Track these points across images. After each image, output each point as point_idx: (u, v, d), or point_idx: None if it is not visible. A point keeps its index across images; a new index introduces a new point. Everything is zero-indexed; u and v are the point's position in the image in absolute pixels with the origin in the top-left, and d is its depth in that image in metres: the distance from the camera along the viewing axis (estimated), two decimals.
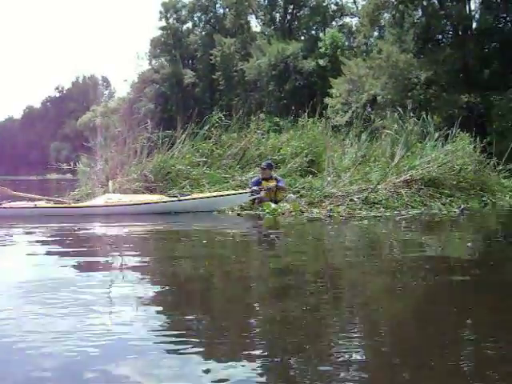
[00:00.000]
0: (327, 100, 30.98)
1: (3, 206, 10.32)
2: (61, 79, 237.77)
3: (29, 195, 11.18)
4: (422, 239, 7.57)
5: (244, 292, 4.41)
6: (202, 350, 2.94)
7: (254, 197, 10.68)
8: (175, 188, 11.53)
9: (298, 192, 11.30)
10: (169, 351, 2.91)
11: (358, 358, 2.83)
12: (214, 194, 10.98)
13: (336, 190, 11.18)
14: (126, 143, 12.86)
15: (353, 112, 16.13)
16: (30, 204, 10.41)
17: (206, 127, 13.36)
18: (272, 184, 10.87)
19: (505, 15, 29.69)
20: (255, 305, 3.94)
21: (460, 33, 30.37)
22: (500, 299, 4.11)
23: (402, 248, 6.78)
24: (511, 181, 14.56)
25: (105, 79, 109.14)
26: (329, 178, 11.71)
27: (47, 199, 10.84)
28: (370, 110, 28.01)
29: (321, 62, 41.74)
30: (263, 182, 10.96)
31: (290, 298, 4.13)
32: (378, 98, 27.84)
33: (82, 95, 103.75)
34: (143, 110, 56.38)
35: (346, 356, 2.82)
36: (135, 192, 11.33)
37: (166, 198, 10.49)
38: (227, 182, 11.90)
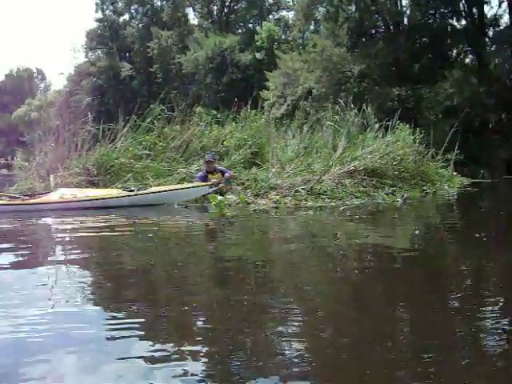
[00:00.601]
0: (263, 93, 31.40)
1: None
2: None
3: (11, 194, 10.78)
4: (364, 228, 7.76)
5: (183, 283, 4.41)
6: (141, 343, 2.96)
7: (213, 189, 10.54)
8: (118, 181, 11.46)
9: (243, 184, 11.40)
10: (108, 348, 2.93)
11: (295, 347, 2.92)
12: (172, 187, 10.92)
13: (281, 181, 11.34)
14: (65, 137, 12.62)
15: (288, 105, 16.44)
16: None
17: (148, 120, 13.29)
18: (216, 179, 10.86)
19: (433, 12, 30.65)
20: (194, 297, 3.96)
21: (392, 28, 31.24)
22: (429, 283, 4.36)
23: (343, 237, 6.99)
24: (448, 170, 15.20)
25: (40, 72, 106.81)
26: (273, 170, 11.88)
27: (0, 195, 10.57)
28: (305, 102, 28.56)
29: (257, 55, 42.12)
30: (209, 175, 11.00)
31: (229, 288, 4.24)
32: (313, 91, 28.41)
33: (16, 88, 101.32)
34: (82, 103, 55.64)
35: (282, 345, 2.93)
36: (77, 186, 11.17)
37: (123, 193, 10.33)
38: (171, 174, 11.94)
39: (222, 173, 11.16)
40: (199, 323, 3.42)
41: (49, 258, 5.55)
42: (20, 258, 5.40)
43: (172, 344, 2.95)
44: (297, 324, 3.31)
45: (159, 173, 11.87)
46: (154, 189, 10.78)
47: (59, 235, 7.32)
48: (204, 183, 10.74)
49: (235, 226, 8.34)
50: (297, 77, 29.73)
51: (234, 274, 4.75)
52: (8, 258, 5.27)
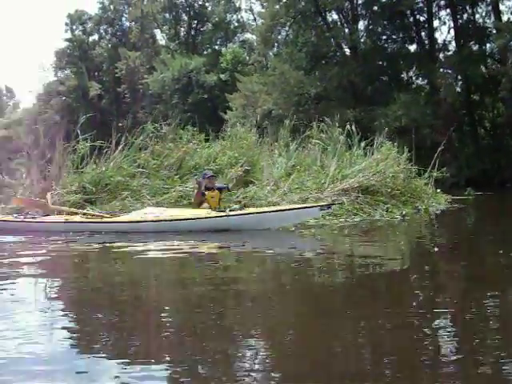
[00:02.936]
0: (226, 115, 32.69)
1: (37, 219, 10.03)
2: None
3: (68, 209, 10.60)
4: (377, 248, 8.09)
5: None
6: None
7: (324, 211, 9.84)
8: (116, 200, 11.36)
9: (240, 202, 11.11)
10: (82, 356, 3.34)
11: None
12: (272, 208, 10.08)
13: (279, 199, 11.26)
14: (58, 155, 12.55)
15: (249, 126, 17.50)
16: (61, 218, 9.99)
17: (141, 138, 13.22)
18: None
19: (387, 37, 32.42)
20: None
21: (347, 52, 32.90)
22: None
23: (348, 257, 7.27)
24: (430, 187, 15.02)
25: (9, 90, 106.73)
26: (268, 187, 11.80)
27: (83, 213, 10.27)
28: (266, 122, 29.81)
29: (222, 76, 43.48)
30: (207, 192, 10.53)
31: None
32: (273, 112, 29.73)
33: None
34: (51, 122, 56.24)
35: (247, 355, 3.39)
36: (75, 205, 11.01)
37: (212, 213, 9.55)
38: (167, 192, 11.74)
39: (220, 190, 10.79)
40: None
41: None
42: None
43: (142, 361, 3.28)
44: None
45: (155, 191, 11.75)
46: (250, 210, 9.93)
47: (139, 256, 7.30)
48: (316, 204, 9.99)
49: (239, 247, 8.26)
50: (256, 99, 31.06)
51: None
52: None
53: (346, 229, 10.04)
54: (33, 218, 10.11)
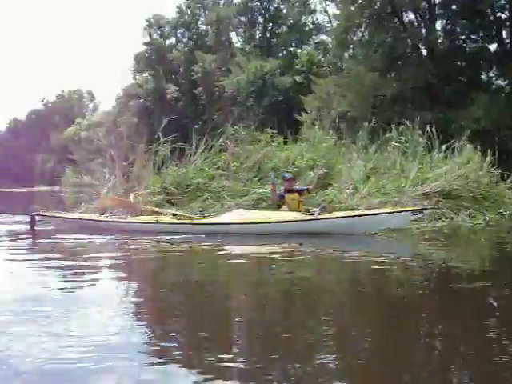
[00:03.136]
0: (300, 117, 32.78)
1: (127, 219, 10.32)
2: (46, 92, 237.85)
3: (158, 209, 10.86)
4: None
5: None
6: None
7: (417, 216, 9.51)
8: (196, 201, 11.53)
9: (319, 205, 10.47)
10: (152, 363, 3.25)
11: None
12: (363, 212, 9.84)
13: (359, 202, 11.11)
14: (140, 156, 12.84)
15: (323, 128, 17.49)
16: (152, 219, 10.14)
17: (220, 139, 13.36)
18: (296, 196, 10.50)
19: (464, 37, 31.71)
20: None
21: (424, 53, 32.35)
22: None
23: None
24: None
25: (89, 93, 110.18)
26: (347, 191, 11.63)
27: (173, 214, 10.48)
28: (341, 124, 29.73)
29: (297, 78, 43.59)
30: (286, 194, 10.52)
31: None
32: (348, 113, 29.58)
33: (66, 108, 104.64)
34: (130, 123, 57.68)
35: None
36: (157, 205, 11.21)
37: (300, 216, 9.46)
38: (246, 194, 11.81)
39: (299, 192, 10.66)
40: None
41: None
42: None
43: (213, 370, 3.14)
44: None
45: (235, 192, 11.84)
46: (339, 213, 9.76)
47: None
48: (408, 208, 9.72)
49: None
50: (331, 100, 30.97)
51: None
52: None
53: (426, 234, 9.79)
54: (123, 218, 10.38)
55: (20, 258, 7.36)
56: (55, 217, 11.02)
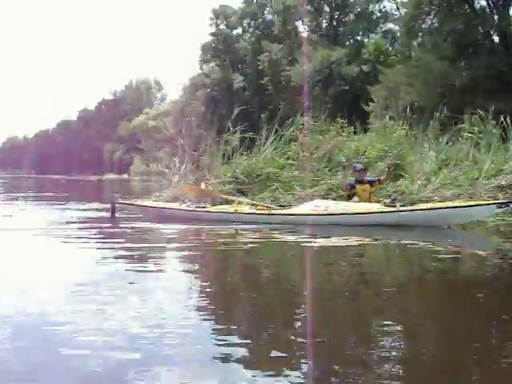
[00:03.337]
0: (367, 106, 32.60)
1: (208, 209, 10.34)
2: (115, 82, 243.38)
3: (238, 199, 10.91)
4: None
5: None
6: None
7: (502, 210, 9.07)
8: (266, 191, 11.54)
9: (390, 196, 10.34)
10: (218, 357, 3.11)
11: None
12: (445, 204, 9.47)
13: (431, 194, 10.85)
14: (210, 146, 13.05)
15: (390, 118, 17.33)
16: (231, 209, 10.14)
17: (290, 129, 13.33)
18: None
19: None
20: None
21: (496, 40, 31.60)
22: None
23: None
24: None
25: (157, 82, 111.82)
26: (419, 182, 11.39)
27: (251, 204, 10.49)
28: (409, 115, 29.40)
29: (364, 67, 43.33)
30: (357, 185, 10.46)
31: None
32: (416, 103, 29.24)
33: (135, 98, 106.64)
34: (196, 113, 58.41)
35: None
36: (227, 194, 11.24)
37: (385, 208, 9.14)
38: (316, 185, 11.72)
39: (370, 183, 10.58)
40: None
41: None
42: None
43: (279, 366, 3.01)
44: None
45: (305, 183, 11.70)
46: (423, 205, 9.54)
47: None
48: (493, 201, 9.46)
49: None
50: (398, 90, 30.67)
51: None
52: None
53: (501, 227, 9.51)
54: (201, 207, 10.45)
55: (100, 244, 7.74)
56: (135, 205, 11.36)
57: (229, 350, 3.21)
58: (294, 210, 9.91)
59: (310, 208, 9.56)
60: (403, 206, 9.19)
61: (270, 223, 9.35)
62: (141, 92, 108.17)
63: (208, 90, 64.11)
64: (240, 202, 10.61)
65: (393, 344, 3.44)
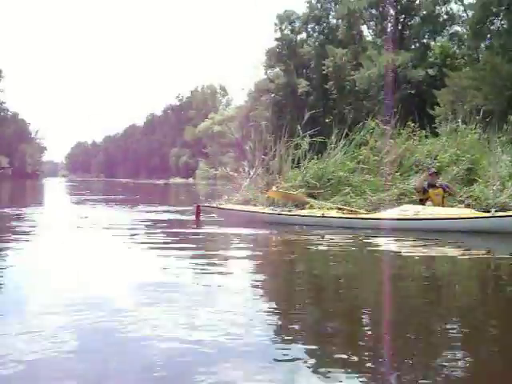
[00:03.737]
0: (433, 111, 32.36)
1: (292, 212, 10.57)
2: (181, 88, 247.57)
3: (328, 204, 10.87)
4: None
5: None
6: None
7: None
8: (337, 195, 11.47)
9: (463, 201, 10.53)
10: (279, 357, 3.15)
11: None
12: None
13: (508, 199, 10.50)
14: (271, 150, 13.19)
15: (456, 122, 17.19)
16: (318, 213, 10.22)
17: (361, 133, 13.26)
18: (439, 194, 10.44)
19: None
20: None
21: None
22: None
23: None
24: None
25: (222, 88, 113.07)
26: (494, 187, 11.02)
27: (338, 208, 10.53)
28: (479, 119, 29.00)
29: (430, 71, 43.01)
30: (430, 189, 10.47)
31: None
32: (483, 108, 28.91)
33: (200, 103, 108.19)
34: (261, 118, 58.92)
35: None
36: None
37: (477, 213, 8.95)
38: (387, 189, 11.60)
39: (443, 188, 10.58)
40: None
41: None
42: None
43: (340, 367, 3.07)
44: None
45: (376, 187, 11.68)
46: None
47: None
48: None
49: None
50: (465, 94, 30.39)
51: None
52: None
53: None
54: (286, 211, 10.70)
55: (184, 244, 8.15)
56: (219, 208, 11.74)
57: (299, 353, 3.26)
58: (382, 214, 9.86)
59: (398, 213, 9.51)
60: (498, 211, 8.91)
61: (361, 228, 9.35)
62: (206, 97, 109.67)
63: (273, 95, 64.66)
64: (321, 207, 10.69)
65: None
